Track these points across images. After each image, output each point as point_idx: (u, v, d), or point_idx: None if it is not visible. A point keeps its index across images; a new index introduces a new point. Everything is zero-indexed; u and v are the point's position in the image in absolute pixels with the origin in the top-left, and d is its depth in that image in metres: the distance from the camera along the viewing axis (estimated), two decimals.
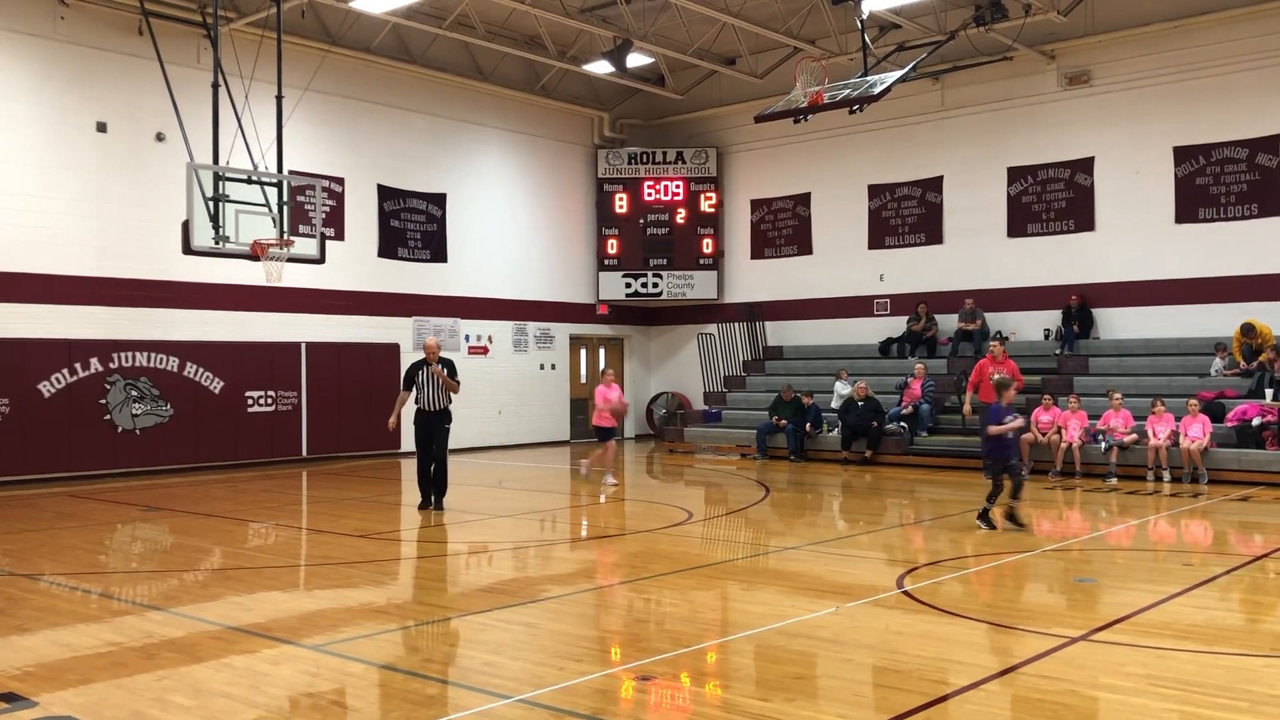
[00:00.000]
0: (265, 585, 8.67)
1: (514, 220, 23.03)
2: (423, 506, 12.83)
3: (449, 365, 12.97)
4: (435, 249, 21.52)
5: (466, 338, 21.85)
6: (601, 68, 20.82)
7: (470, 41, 20.28)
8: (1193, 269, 18.12)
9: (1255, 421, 15.23)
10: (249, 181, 14.32)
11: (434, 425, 12.82)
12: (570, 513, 14.04)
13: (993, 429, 11.18)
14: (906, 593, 8.11)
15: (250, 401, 18.52)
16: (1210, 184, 18.06)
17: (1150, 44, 18.43)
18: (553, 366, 23.77)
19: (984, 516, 11.25)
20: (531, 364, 23.24)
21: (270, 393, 18.80)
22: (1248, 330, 16.63)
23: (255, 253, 14.13)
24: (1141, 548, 10.79)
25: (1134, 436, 15.77)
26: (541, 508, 14.03)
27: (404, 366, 20.34)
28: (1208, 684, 5.77)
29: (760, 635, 6.95)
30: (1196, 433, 15.24)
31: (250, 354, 18.51)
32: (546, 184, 23.65)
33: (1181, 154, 18.31)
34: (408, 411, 13.31)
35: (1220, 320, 17.32)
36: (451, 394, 12.94)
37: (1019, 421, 11.47)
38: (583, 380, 24.72)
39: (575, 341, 24.47)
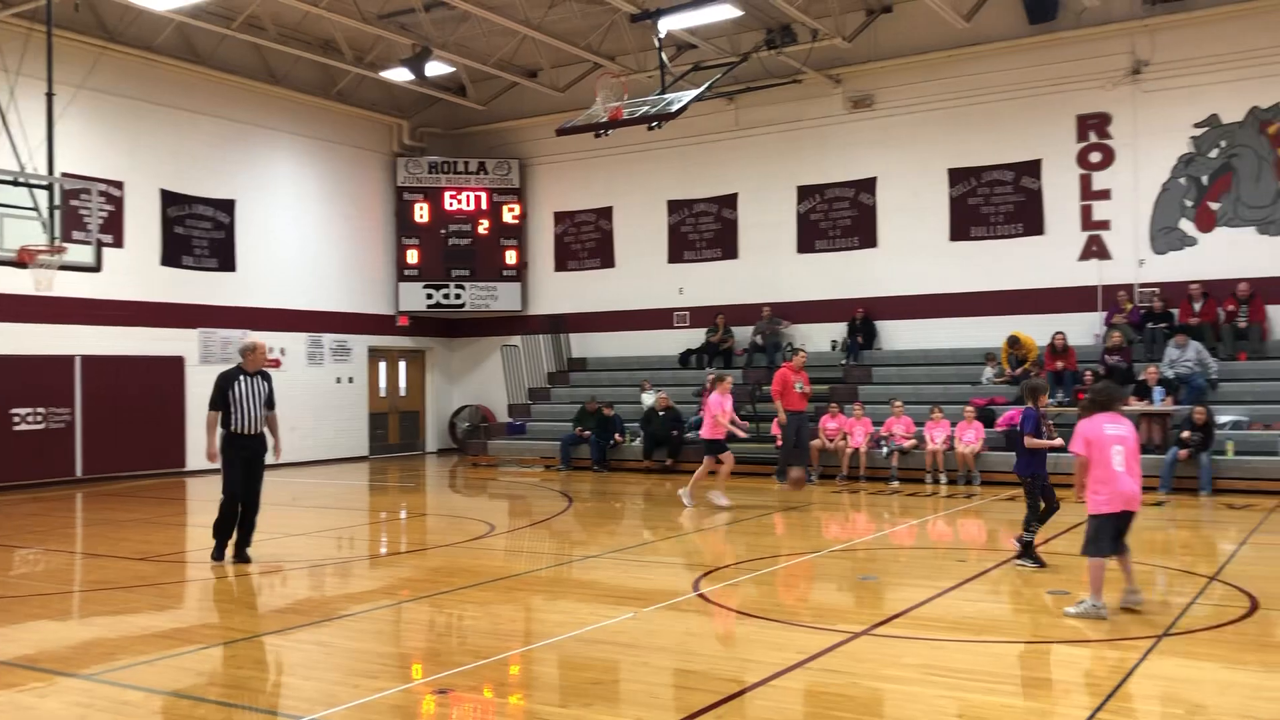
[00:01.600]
0: (32, 614, 8.10)
1: (309, 228, 22.35)
2: (219, 557, 10.02)
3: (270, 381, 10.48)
4: (223, 257, 20.63)
5: None
6: (400, 75, 20.51)
7: (262, 44, 19.60)
8: (966, 284, 19.33)
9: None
10: (15, 184, 13.36)
11: (255, 454, 10.10)
12: (369, 529, 13.72)
13: (1030, 441, 9.28)
14: (703, 596, 8.33)
15: (16, 419, 17.25)
16: (981, 204, 19.35)
17: (928, 71, 19.60)
18: (350, 380, 23.16)
19: (1029, 552, 9.36)
20: (327, 377, 22.58)
21: (40, 410, 17.56)
22: (1013, 342, 17.91)
23: (22, 259, 13.18)
24: (921, 546, 11.43)
25: (914, 441, 16.69)
26: (338, 525, 13.64)
27: (189, 381, 19.53)
28: (977, 670, 6.19)
29: (560, 644, 7.00)
30: (970, 437, 16.27)
31: (16, 368, 17.24)
32: (343, 192, 23.07)
33: (955, 176, 19.55)
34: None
35: (990, 332, 18.54)
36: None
37: (1058, 441, 9.33)
38: (382, 394, 24.20)
39: (374, 354, 23.93)
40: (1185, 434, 14.71)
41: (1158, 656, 6.41)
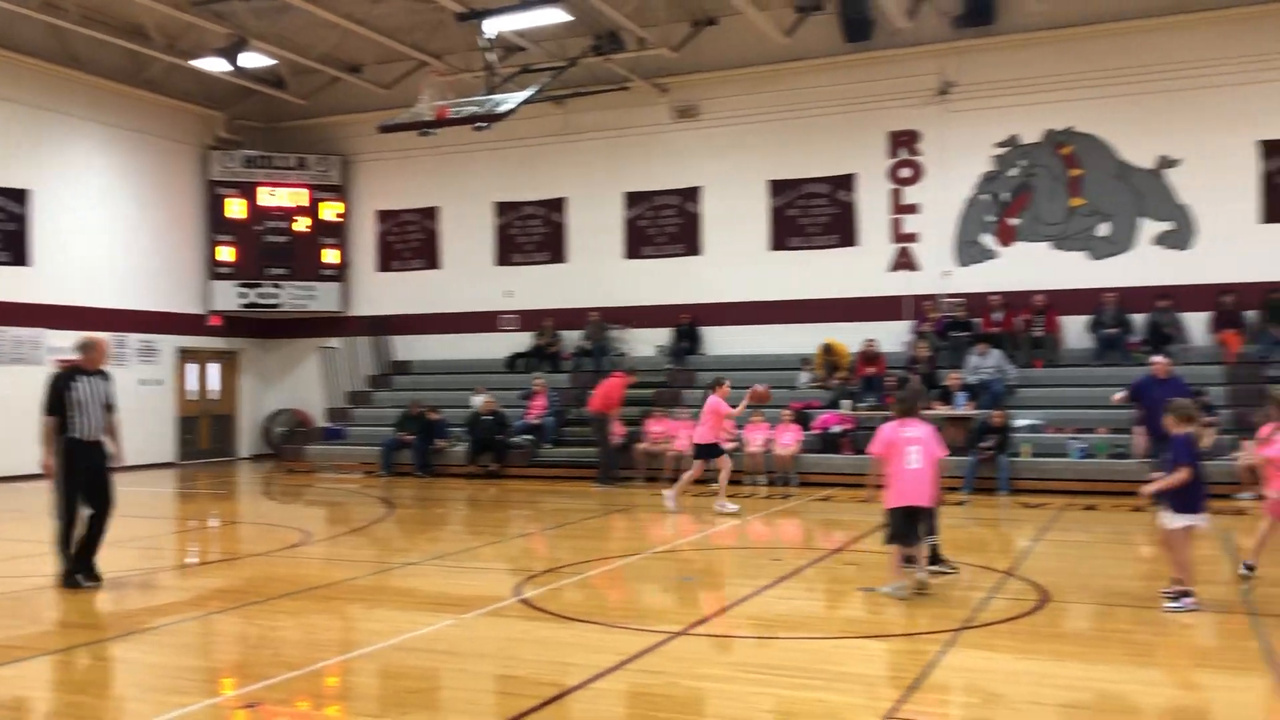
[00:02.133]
0: None
1: (113, 222, 21.15)
2: (72, 583, 8.89)
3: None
4: (16, 250, 19.31)
5: (52, 350, 19.72)
6: (215, 65, 19.67)
7: (62, 25, 18.45)
8: (785, 292, 19.91)
9: (835, 429, 17.00)
10: None
11: (98, 462, 9.14)
12: (177, 539, 13.08)
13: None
14: (525, 601, 8.29)
15: None
16: (799, 215, 19.98)
17: (750, 84, 20.10)
18: (158, 382, 22.02)
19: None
20: (131, 379, 21.37)
21: None
22: (827, 349, 18.57)
23: None
24: (740, 546, 11.69)
25: (734, 444, 17.06)
26: (142, 535, 12.94)
27: None
28: (789, 666, 6.37)
29: (377, 653, 6.84)
30: (788, 440, 16.77)
31: None
32: (152, 184, 21.94)
33: (776, 187, 20.11)
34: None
35: (808, 338, 19.13)
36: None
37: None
38: (191, 397, 23.13)
39: (184, 355, 22.84)
40: (984, 444, 15.50)
41: (958, 649, 6.75)
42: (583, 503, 15.05)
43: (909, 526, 8.04)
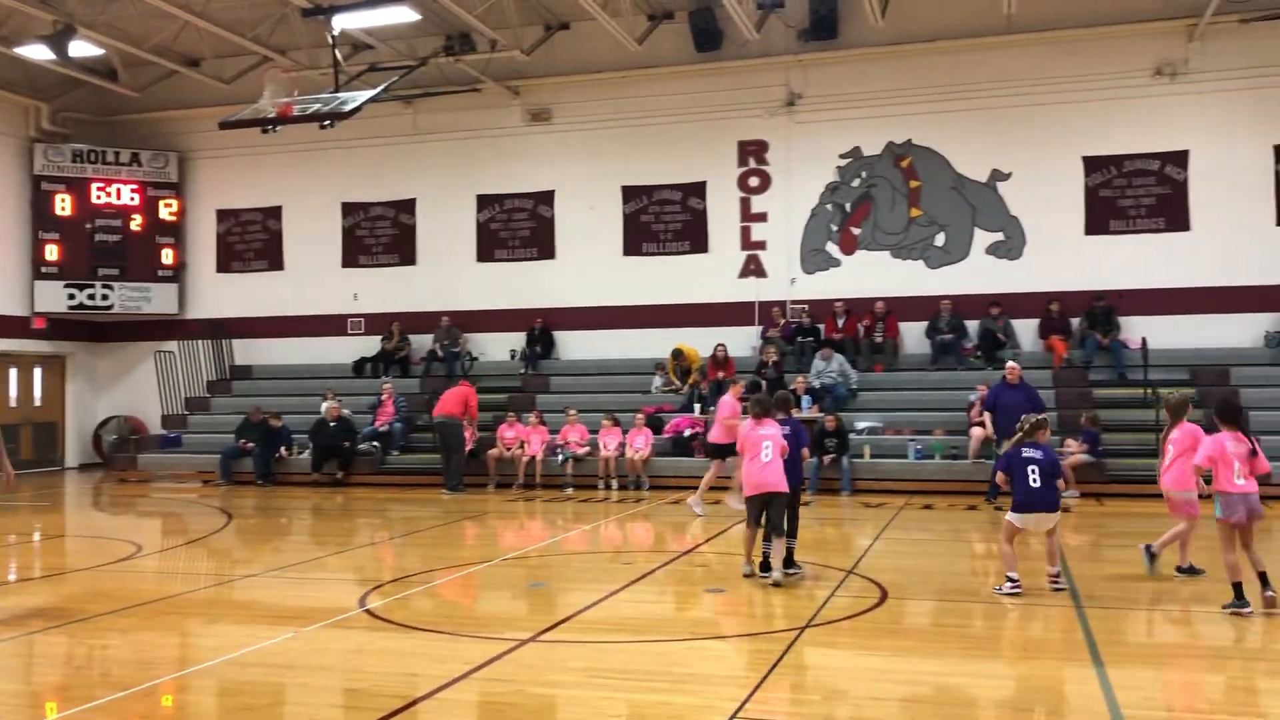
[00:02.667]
0: None
1: None
2: None
3: None
4: None
5: None
6: (39, 53, 18.60)
7: None
8: (638, 297, 20.05)
9: (687, 433, 17.20)
10: None
11: None
12: None
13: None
14: (370, 611, 8.10)
15: None
16: (652, 222, 20.15)
17: (603, 90, 20.19)
18: None
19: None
20: None
21: None
22: (677, 354, 18.77)
23: None
24: (592, 551, 11.70)
25: (588, 449, 17.10)
26: None
27: None
28: (637, 670, 6.40)
29: (213, 669, 6.56)
30: (640, 444, 16.88)
31: None
32: None
33: (629, 193, 20.24)
34: None
35: (660, 343, 19.30)
36: None
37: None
38: (13, 404, 21.81)
39: (4, 359, 21.52)
40: (826, 446, 15.88)
41: (801, 647, 6.90)
42: (431, 510, 14.82)
43: (759, 511, 8.93)
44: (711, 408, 17.61)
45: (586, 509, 14.80)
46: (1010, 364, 14.64)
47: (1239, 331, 17.29)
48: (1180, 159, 17.74)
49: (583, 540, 12.35)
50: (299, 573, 10.14)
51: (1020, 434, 8.68)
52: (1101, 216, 18.04)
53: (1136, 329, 17.40)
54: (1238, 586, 7.69)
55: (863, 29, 18.46)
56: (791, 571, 9.03)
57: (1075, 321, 17.84)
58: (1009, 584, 8.38)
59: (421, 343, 20.89)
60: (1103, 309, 17.51)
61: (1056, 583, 8.52)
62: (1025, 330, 18.15)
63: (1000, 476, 8.87)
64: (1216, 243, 17.50)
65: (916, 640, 7.29)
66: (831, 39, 18.71)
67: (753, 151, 19.69)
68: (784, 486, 8.87)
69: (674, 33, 19.38)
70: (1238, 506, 7.71)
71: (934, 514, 13.79)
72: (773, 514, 8.85)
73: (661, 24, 19.25)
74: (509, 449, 17.37)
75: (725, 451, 13.44)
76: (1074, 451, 15.10)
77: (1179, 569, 9.06)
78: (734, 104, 19.59)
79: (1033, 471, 8.43)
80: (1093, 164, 18.06)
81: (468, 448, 17.11)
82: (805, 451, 9.72)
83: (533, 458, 17.14)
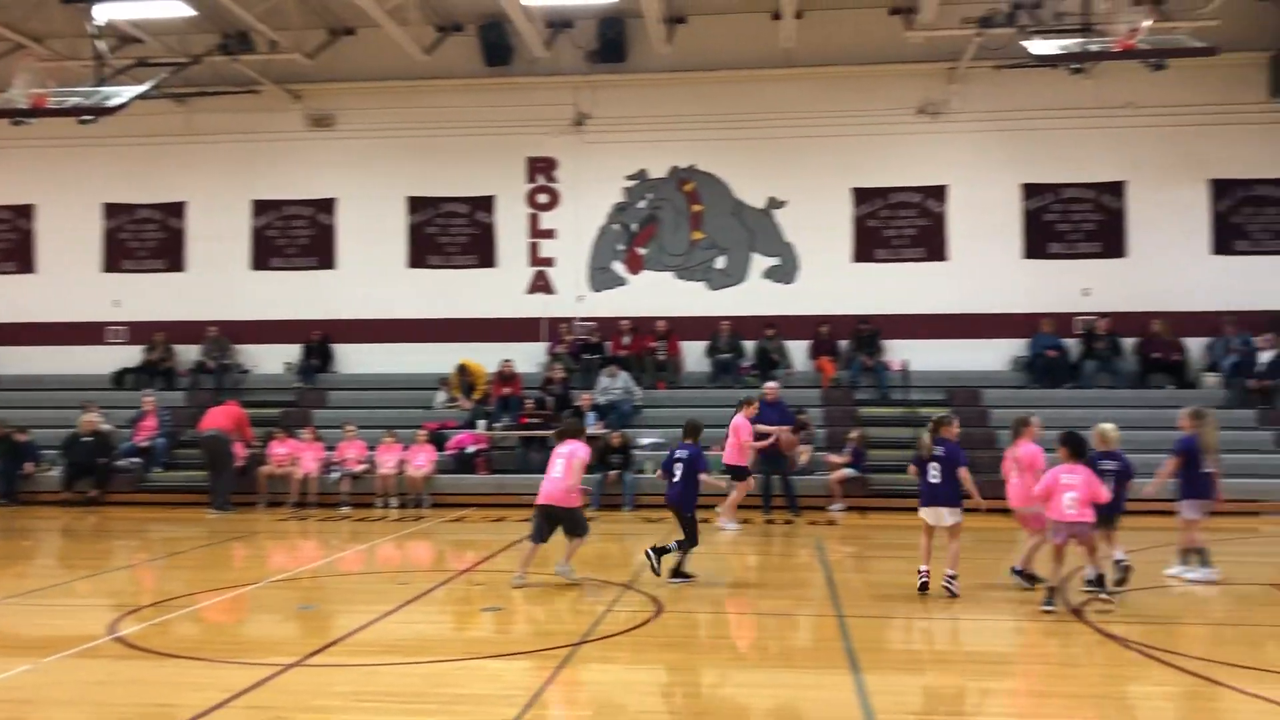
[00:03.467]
0: None
1: None
2: None
3: None
4: None
5: None
6: None
7: None
8: (423, 310, 19.70)
9: (470, 449, 17.01)
10: None
11: None
12: None
13: (706, 480, 10.26)
14: (121, 639, 7.58)
15: None
16: (438, 234, 19.87)
17: (389, 98, 19.76)
18: None
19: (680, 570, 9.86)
20: None
21: None
22: (462, 369, 18.55)
23: None
24: (367, 571, 11.37)
25: (365, 466, 16.63)
26: None
27: None
28: (406, 692, 6.25)
29: None
30: (421, 461, 16.56)
31: None
32: None
33: (415, 204, 19.89)
34: None
35: (445, 358, 18.98)
36: None
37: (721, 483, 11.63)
38: None
39: None
40: (610, 462, 16.04)
41: (576, 663, 6.91)
42: (196, 530, 14.05)
43: (540, 525, 9.53)
44: (496, 424, 17.55)
45: (363, 528, 14.38)
46: (768, 384, 15.44)
47: (990, 355, 18.58)
48: (939, 193, 18.97)
49: (358, 560, 11.99)
50: (42, 599, 9.38)
51: (928, 431, 9.18)
52: (868, 245, 19.06)
53: (899, 352, 18.47)
54: (1051, 590, 8.36)
55: (650, 54, 18.84)
56: (681, 579, 9.63)
57: (844, 344, 18.73)
58: (920, 574, 9.05)
59: (189, 354, 19.80)
60: (868, 332, 18.47)
61: (950, 586, 8.89)
62: (798, 351, 18.92)
63: (911, 469, 9.46)
64: (971, 273, 18.79)
65: (690, 652, 7.44)
66: (620, 62, 19.01)
67: (542, 168, 19.75)
68: (564, 501, 9.45)
69: (463, 45, 19.22)
70: (1061, 530, 8.31)
71: (713, 527, 14.12)
72: (564, 527, 9.50)
73: (451, 36, 19.06)
74: (280, 466, 16.67)
75: (746, 472, 13.84)
76: (837, 465, 15.84)
77: (1014, 570, 9.43)
78: (523, 120, 19.60)
79: (934, 468, 8.93)
80: (861, 195, 19.07)
81: (237, 464, 16.32)
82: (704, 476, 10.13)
83: (307, 475, 16.51)
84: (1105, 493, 8.38)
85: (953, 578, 8.95)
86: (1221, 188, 18.38)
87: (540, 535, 9.56)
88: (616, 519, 15.14)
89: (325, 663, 6.90)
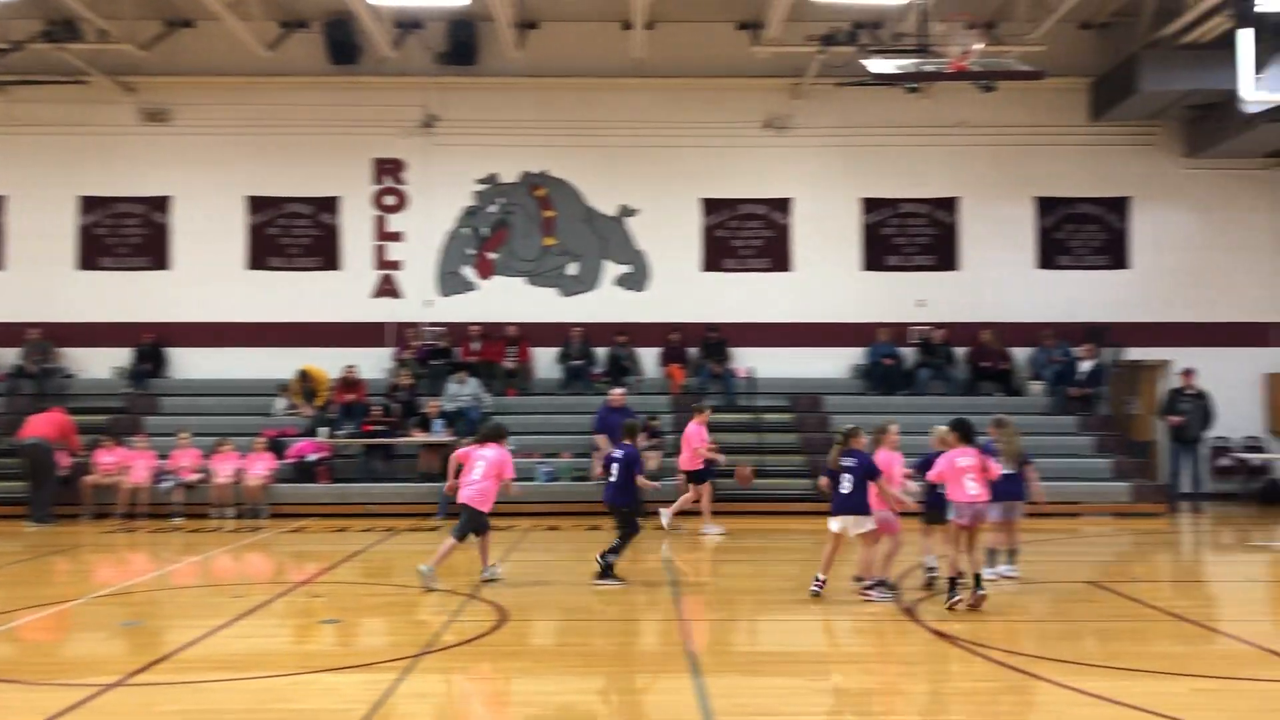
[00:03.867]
0: None
1: None
2: None
3: None
4: None
5: None
6: None
7: None
8: (263, 314, 19.03)
9: (311, 457, 16.54)
10: None
11: None
12: None
13: (642, 481, 10.71)
14: None
15: None
16: (280, 235, 19.23)
17: (229, 94, 19.05)
18: None
19: (609, 573, 10.24)
20: None
21: None
22: (304, 375, 17.99)
23: None
24: (201, 584, 10.92)
25: (200, 475, 15.97)
26: None
27: None
28: (236, 709, 6.02)
29: None
30: (259, 469, 16.00)
31: None
32: None
33: (255, 203, 19.19)
34: None
35: (286, 363, 18.34)
36: None
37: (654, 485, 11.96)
38: None
39: None
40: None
41: (416, 674, 6.78)
42: (13, 545, 13.24)
43: (463, 524, 10.01)
44: (339, 431, 17.09)
45: (197, 540, 13.81)
46: (614, 390, 15.57)
47: (831, 363, 19.13)
48: (784, 206, 19.43)
49: (191, 573, 11.50)
50: None
51: (837, 444, 9.25)
52: (716, 255, 19.37)
53: (745, 359, 18.83)
54: (952, 581, 8.62)
55: (501, 58, 18.71)
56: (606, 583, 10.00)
57: (692, 351, 18.98)
58: (814, 584, 9.12)
59: (6, 357, 18.65)
60: (716, 340, 18.77)
61: (866, 594, 9.08)
62: (649, 358, 19.08)
63: (823, 481, 9.67)
64: (814, 283, 19.31)
65: (532, 661, 7.39)
66: (470, 65, 18.82)
67: (389, 170, 19.38)
68: (478, 505, 9.98)
69: (308, 42, 18.71)
70: (965, 511, 8.63)
71: (559, 535, 14.11)
72: (465, 525, 10.00)
73: (295, 32, 18.53)
74: (108, 475, 15.85)
75: (705, 475, 14.13)
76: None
77: (857, 579, 9.57)
78: (370, 120, 19.18)
79: (846, 478, 9.01)
80: (710, 206, 19.37)
81: (60, 474, 15.45)
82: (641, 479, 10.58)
83: (136, 485, 15.74)
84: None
85: (868, 586, 9.17)
86: (1046, 205, 19.39)
87: (462, 534, 10.00)
88: None
89: (150, 681, 6.58)
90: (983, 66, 13.46)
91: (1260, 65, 15.93)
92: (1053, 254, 19.40)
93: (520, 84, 19.06)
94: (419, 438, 16.67)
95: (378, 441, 16.72)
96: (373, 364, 18.75)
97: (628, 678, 6.92)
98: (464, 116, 19.25)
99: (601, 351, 18.91)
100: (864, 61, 14.33)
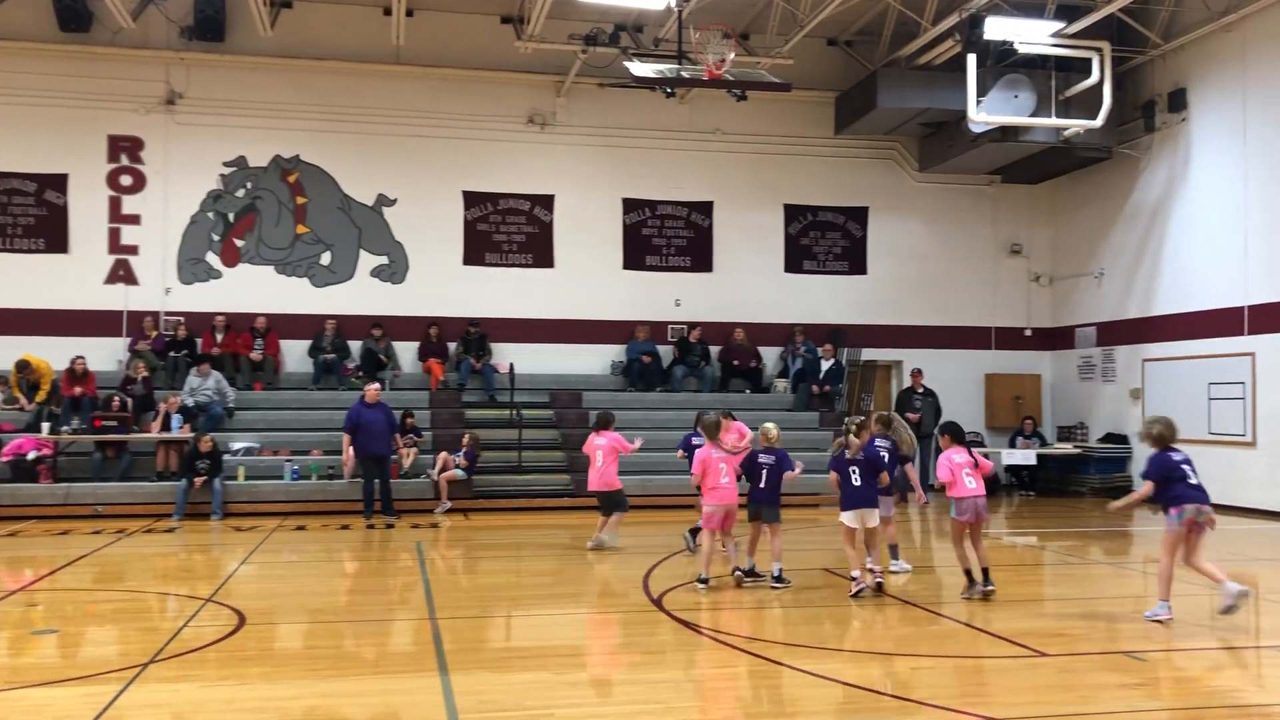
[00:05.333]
0: None
1: None
2: None
3: None
4: None
5: None
6: None
7: None
8: None
9: (31, 455, 15.24)
10: None
11: None
12: None
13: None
14: None
15: None
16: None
17: None
18: None
19: None
20: None
21: None
22: (22, 366, 16.46)
23: None
24: None
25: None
26: None
27: None
28: None
29: None
30: None
31: None
32: None
33: None
34: None
35: (2, 353, 16.90)
36: None
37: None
38: None
39: None
40: (198, 468, 15.00)
41: (141, 685, 6.36)
42: None
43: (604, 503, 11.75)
44: (65, 427, 15.81)
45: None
46: (370, 385, 15.21)
47: (591, 360, 19.37)
48: (548, 202, 19.50)
49: None
50: None
51: (853, 434, 9.48)
52: (478, 248, 19.21)
53: (506, 355, 18.77)
54: (968, 573, 9.02)
55: (251, 36, 17.85)
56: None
57: (452, 346, 18.75)
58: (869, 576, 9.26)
59: None
60: (477, 335, 18.62)
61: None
62: (406, 352, 18.70)
63: (833, 476, 9.51)
64: (575, 280, 19.48)
65: (271, 665, 7.09)
66: (218, 41, 17.86)
67: (126, 148, 18.12)
68: (609, 487, 11.75)
69: (33, 5, 17.26)
70: (968, 508, 8.91)
71: (307, 535, 13.62)
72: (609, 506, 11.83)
73: None
74: None
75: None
76: (449, 467, 15.84)
77: (740, 569, 9.81)
78: (105, 94, 17.89)
79: (854, 471, 9.24)
80: (472, 199, 19.19)
81: None
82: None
83: None
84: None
85: (746, 570, 9.71)
86: (793, 212, 20.34)
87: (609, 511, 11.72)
88: (204, 528, 14.19)
89: None
90: (736, 76, 13.95)
91: (984, 89, 17.40)
92: (799, 259, 20.37)
93: (272, 64, 18.27)
94: (155, 434, 15.67)
95: (109, 438, 15.60)
96: (106, 355, 17.53)
97: (375, 679, 6.74)
98: (211, 96, 18.26)
99: (356, 345, 18.38)
100: (626, 64, 14.57)
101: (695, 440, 10.95)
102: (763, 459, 9.72)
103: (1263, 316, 16.11)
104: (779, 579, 9.52)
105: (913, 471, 10.92)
